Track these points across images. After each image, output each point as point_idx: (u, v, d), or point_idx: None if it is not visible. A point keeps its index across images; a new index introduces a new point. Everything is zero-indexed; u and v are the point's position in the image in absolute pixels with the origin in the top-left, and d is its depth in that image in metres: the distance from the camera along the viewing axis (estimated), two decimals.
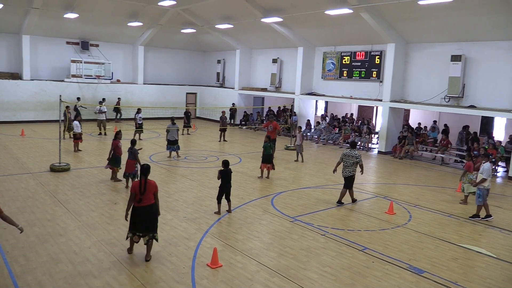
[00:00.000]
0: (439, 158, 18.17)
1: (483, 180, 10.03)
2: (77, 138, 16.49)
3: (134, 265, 7.02)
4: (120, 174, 12.27)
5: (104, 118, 21.10)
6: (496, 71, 16.45)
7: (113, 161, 12.16)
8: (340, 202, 11.06)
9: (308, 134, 22.92)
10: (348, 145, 13.17)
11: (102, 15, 23.62)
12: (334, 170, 11.48)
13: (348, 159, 10.99)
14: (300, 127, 17.82)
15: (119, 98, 27.06)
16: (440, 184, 14.09)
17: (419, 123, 21.14)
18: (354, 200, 11.23)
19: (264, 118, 26.97)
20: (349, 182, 10.99)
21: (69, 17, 22.33)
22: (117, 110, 26.42)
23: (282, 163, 16.06)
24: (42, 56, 25.16)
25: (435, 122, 20.87)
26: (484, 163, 10.31)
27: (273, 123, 17.25)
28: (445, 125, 19.83)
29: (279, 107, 26.92)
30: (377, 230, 9.28)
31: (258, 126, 24.81)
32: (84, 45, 26.28)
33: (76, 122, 16.67)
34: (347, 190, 11.07)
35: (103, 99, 24.22)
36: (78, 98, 24.78)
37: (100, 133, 20.92)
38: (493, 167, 15.08)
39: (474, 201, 10.65)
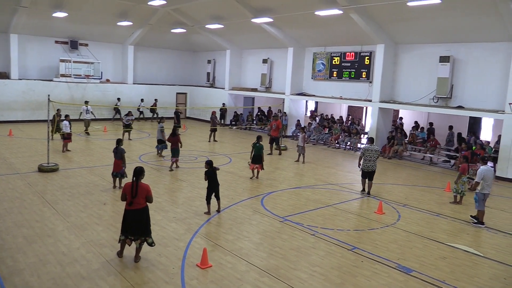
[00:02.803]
0: (427, 158, 18.34)
1: (476, 183, 9.99)
2: (66, 138, 16.33)
3: (124, 266, 6.99)
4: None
5: (89, 118, 21.17)
6: (484, 72, 16.66)
7: (176, 152, 14.10)
8: (369, 193, 12.14)
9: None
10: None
11: (91, 14, 23.42)
12: (359, 165, 12.34)
13: (370, 153, 11.97)
14: (304, 128, 18.09)
15: (156, 100, 28.09)
16: (428, 184, 14.23)
17: (401, 118, 22.32)
18: (369, 193, 12.20)
19: (254, 118, 27.04)
20: (372, 175, 12.09)
21: (58, 16, 22.14)
22: (153, 111, 27.28)
23: (272, 163, 16.09)
24: (31, 55, 24.91)
25: (401, 118, 22.30)
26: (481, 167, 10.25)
27: (277, 122, 17.60)
28: (415, 122, 20.69)
29: (269, 107, 26.99)
30: (367, 230, 9.34)
31: (264, 124, 25.02)
32: (73, 45, 26.06)
33: (65, 122, 16.51)
34: (371, 182, 12.18)
35: (118, 99, 26.67)
36: (119, 99, 26.38)
37: (87, 133, 20.88)
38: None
39: (469, 202, 10.72)
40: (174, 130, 14.48)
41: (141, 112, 27.74)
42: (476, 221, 10.09)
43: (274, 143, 18.23)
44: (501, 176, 15.35)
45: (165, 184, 12.40)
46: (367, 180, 12.21)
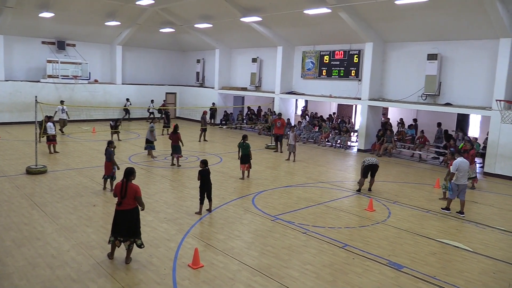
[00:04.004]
0: (417, 155, 18.49)
1: (452, 174, 10.52)
2: (51, 140, 16.12)
3: (114, 268, 6.93)
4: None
5: (66, 118, 21.16)
6: (471, 69, 16.84)
7: (176, 149, 14.66)
8: (370, 189, 12.46)
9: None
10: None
11: (78, 14, 23.19)
12: (362, 175, 12.45)
13: (369, 157, 12.63)
14: (294, 127, 18.22)
15: (164, 100, 28.71)
16: (418, 181, 14.34)
17: (388, 118, 22.38)
18: (370, 189, 12.54)
19: (245, 118, 27.01)
20: (375, 171, 12.29)
21: (44, 16, 21.89)
22: (161, 111, 27.31)
23: (263, 162, 16.09)
24: (17, 56, 24.60)
25: (384, 114, 22.72)
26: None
27: (281, 120, 18.34)
28: (401, 119, 20.85)
29: (259, 107, 26.98)
30: (357, 227, 9.39)
31: (261, 123, 25.05)
32: (60, 45, 25.79)
33: (50, 124, 16.26)
34: (373, 179, 12.46)
35: (127, 99, 27.25)
36: (127, 99, 26.76)
37: (63, 132, 20.86)
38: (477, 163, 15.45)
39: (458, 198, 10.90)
40: (175, 128, 15.00)
41: (151, 113, 27.96)
42: (448, 211, 10.63)
43: (279, 140, 18.76)
44: (489, 172, 15.54)
45: (155, 185, 12.33)
46: (369, 177, 12.30)
